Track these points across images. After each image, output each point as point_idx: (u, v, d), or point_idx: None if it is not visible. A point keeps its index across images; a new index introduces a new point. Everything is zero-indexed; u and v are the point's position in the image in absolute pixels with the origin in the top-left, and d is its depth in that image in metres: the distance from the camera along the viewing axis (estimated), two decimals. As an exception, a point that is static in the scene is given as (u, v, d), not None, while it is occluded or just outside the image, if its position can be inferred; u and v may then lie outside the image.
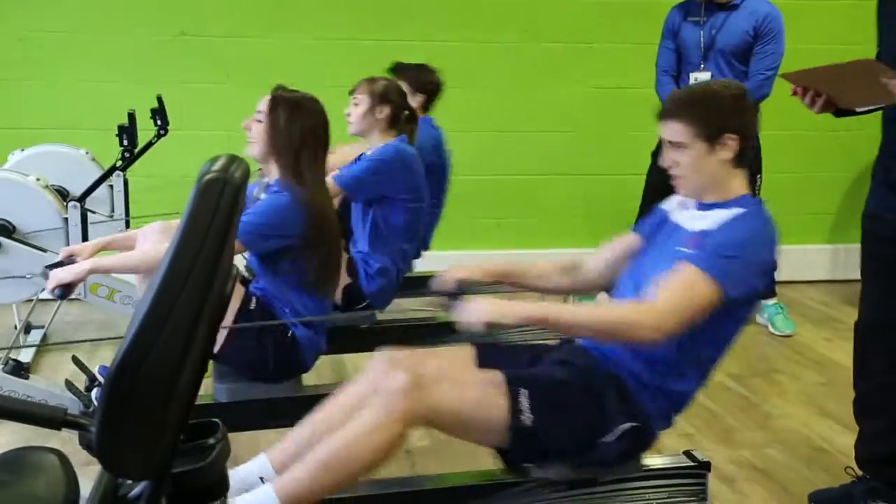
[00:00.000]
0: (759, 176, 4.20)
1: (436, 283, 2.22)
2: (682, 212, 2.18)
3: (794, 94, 2.49)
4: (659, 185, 4.30)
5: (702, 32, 4.10)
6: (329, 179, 3.30)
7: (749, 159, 2.11)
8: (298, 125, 2.61)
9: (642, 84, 4.65)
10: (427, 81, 3.86)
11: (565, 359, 2.13)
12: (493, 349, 2.22)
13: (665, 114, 2.10)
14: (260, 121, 2.64)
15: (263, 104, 2.66)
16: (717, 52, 4.09)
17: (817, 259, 5.30)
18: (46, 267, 2.57)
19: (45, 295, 3.56)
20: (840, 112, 2.47)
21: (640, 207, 4.38)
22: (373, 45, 4.72)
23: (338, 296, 3.15)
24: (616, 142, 5.01)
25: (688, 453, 2.23)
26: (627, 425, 2.00)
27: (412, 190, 3.27)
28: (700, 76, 4.11)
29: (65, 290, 2.47)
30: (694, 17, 4.13)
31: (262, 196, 2.66)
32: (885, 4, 2.50)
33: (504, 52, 4.88)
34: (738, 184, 2.10)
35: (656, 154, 4.27)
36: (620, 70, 4.96)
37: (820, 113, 2.45)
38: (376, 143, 3.31)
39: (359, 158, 3.40)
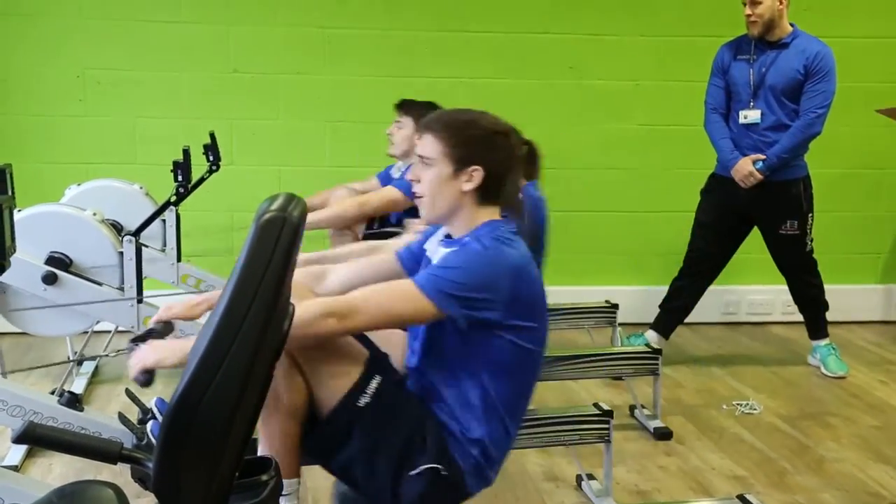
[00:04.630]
0: (810, 215, 4.15)
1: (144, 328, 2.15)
2: (437, 251, 2.12)
3: None
4: (708, 223, 4.30)
5: (752, 70, 4.08)
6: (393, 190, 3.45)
7: (495, 199, 2.03)
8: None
9: (688, 122, 4.63)
10: None
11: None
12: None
13: (423, 126, 2.07)
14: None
15: None
16: (766, 90, 4.06)
17: (869, 299, 5.20)
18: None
19: (105, 325, 3.62)
20: None
21: (689, 245, 4.35)
22: (422, 81, 4.76)
23: None
24: (663, 179, 4.99)
25: (742, 497, 2.19)
26: (433, 465, 1.95)
27: None
28: (749, 114, 4.09)
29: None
30: (744, 56, 4.12)
31: None
32: None
33: (550, 89, 4.90)
34: (482, 219, 2.03)
35: (705, 192, 4.30)
36: (667, 108, 4.95)
37: None
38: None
39: (401, 177, 3.50)
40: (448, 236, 2.10)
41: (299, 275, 2.23)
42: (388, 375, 2.03)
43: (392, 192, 3.74)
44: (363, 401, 1.95)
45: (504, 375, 1.98)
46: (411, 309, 1.91)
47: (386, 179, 4.05)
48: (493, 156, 2.01)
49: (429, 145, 2.02)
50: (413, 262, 2.20)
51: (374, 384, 1.97)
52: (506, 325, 1.93)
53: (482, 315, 1.91)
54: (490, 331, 1.93)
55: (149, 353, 1.85)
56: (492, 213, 2.04)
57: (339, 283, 2.24)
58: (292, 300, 1.23)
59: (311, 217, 3.42)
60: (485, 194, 2.02)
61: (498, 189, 2.03)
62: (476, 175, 1.99)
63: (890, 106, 2.57)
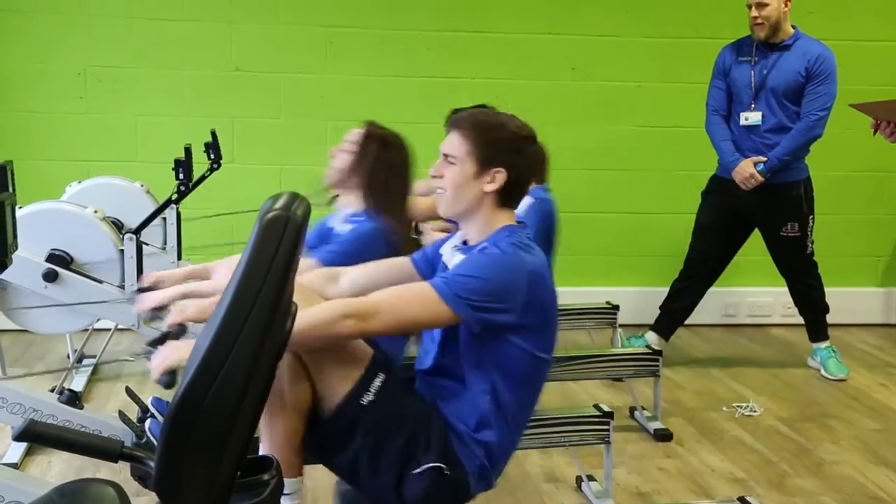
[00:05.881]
0: (811, 217, 4.14)
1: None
2: (452, 256, 2.12)
3: (877, 126, 2.58)
4: (709, 225, 4.29)
5: (753, 72, 4.08)
6: None
7: (514, 204, 2.06)
8: (387, 160, 2.67)
9: (690, 124, 4.63)
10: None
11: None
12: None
13: (451, 124, 2.09)
14: (348, 151, 2.68)
15: (354, 136, 2.71)
16: (768, 92, 4.06)
17: (870, 302, 5.20)
18: (137, 290, 2.61)
19: (105, 323, 3.60)
20: None
21: (690, 246, 4.35)
22: (423, 81, 4.77)
23: None
24: (664, 181, 4.99)
25: (743, 500, 2.19)
26: (437, 465, 1.96)
27: None
28: (750, 116, 4.08)
29: (155, 312, 2.50)
30: (745, 57, 4.12)
31: (341, 227, 2.68)
32: None
33: (553, 90, 4.89)
34: (499, 223, 2.04)
35: (706, 194, 4.29)
36: (669, 109, 4.94)
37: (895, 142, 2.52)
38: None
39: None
40: (465, 243, 2.11)
41: (309, 277, 2.24)
42: (393, 374, 2.03)
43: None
44: (367, 399, 1.95)
45: (515, 381, 1.99)
46: (428, 312, 1.92)
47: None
48: (517, 160, 2.03)
49: (454, 143, 2.04)
50: (428, 266, 2.19)
51: (377, 382, 1.97)
52: (519, 331, 1.95)
53: (496, 319, 1.92)
54: (503, 336, 1.95)
55: (170, 353, 1.81)
56: (509, 217, 2.05)
57: (350, 286, 2.22)
58: (297, 300, 1.23)
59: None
60: (504, 197, 2.03)
61: (517, 193, 2.06)
62: (499, 177, 2.01)
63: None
